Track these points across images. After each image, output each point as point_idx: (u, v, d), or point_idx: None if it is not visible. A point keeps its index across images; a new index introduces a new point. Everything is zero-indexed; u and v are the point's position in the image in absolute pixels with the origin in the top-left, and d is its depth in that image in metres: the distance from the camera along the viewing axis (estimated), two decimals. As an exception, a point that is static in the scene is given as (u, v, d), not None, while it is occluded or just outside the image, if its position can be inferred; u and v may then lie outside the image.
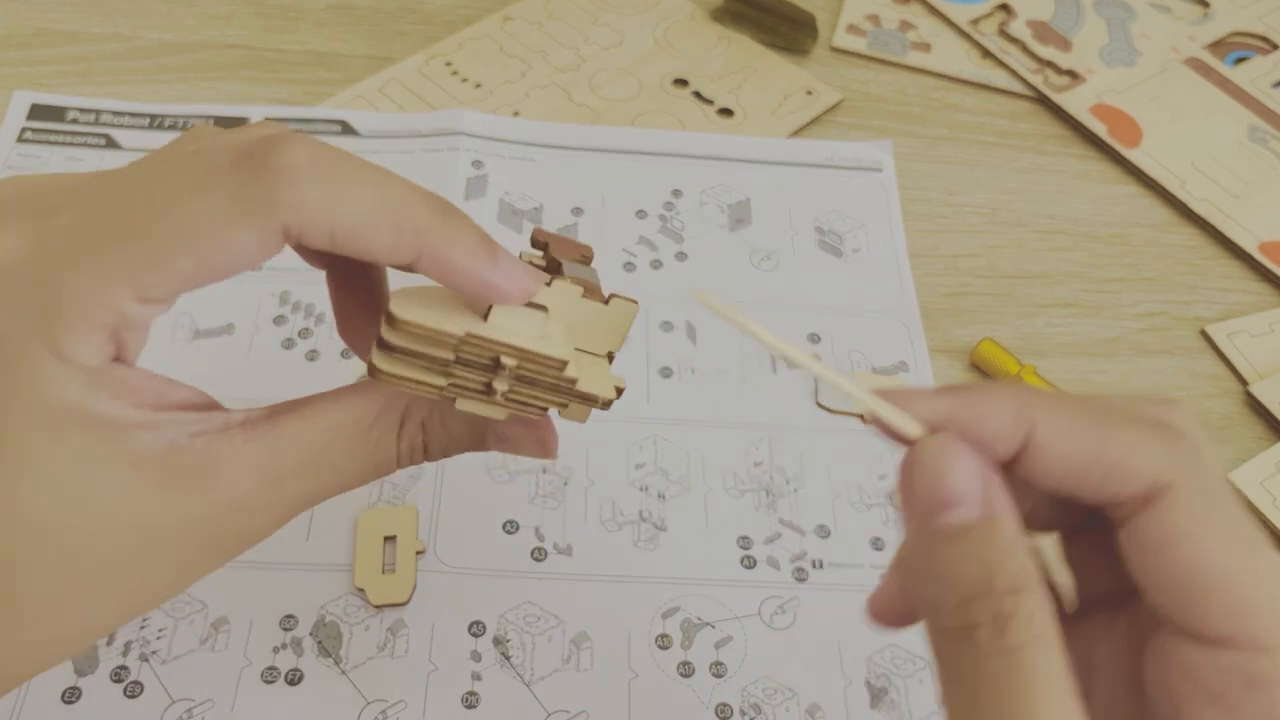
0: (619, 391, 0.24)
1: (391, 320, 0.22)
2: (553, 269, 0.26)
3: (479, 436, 0.25)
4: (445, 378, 0.23)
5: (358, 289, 0.26)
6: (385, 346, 0.22)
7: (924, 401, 0.21)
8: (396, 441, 0.24)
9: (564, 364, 0.23)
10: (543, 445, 0.26)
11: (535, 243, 0.27)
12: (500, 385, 0.23)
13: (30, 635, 0.21)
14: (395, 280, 0.25)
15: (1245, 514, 0.20)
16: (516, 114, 0.50)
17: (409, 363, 0.23)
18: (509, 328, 0.23)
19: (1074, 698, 0.20)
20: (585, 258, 0.26)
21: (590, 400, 0.24)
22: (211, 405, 0.23)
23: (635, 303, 0.25)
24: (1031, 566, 0.21)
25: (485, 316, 0.23)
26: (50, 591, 0.21)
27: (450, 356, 0.23)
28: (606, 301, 0.24)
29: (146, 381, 0.21)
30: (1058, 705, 0.19)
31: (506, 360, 0.23)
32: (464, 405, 0.24)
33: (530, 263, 0.26)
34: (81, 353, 0.20)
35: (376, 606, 0.34)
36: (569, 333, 0.24)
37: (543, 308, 0.23)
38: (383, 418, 0.24)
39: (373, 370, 0.23)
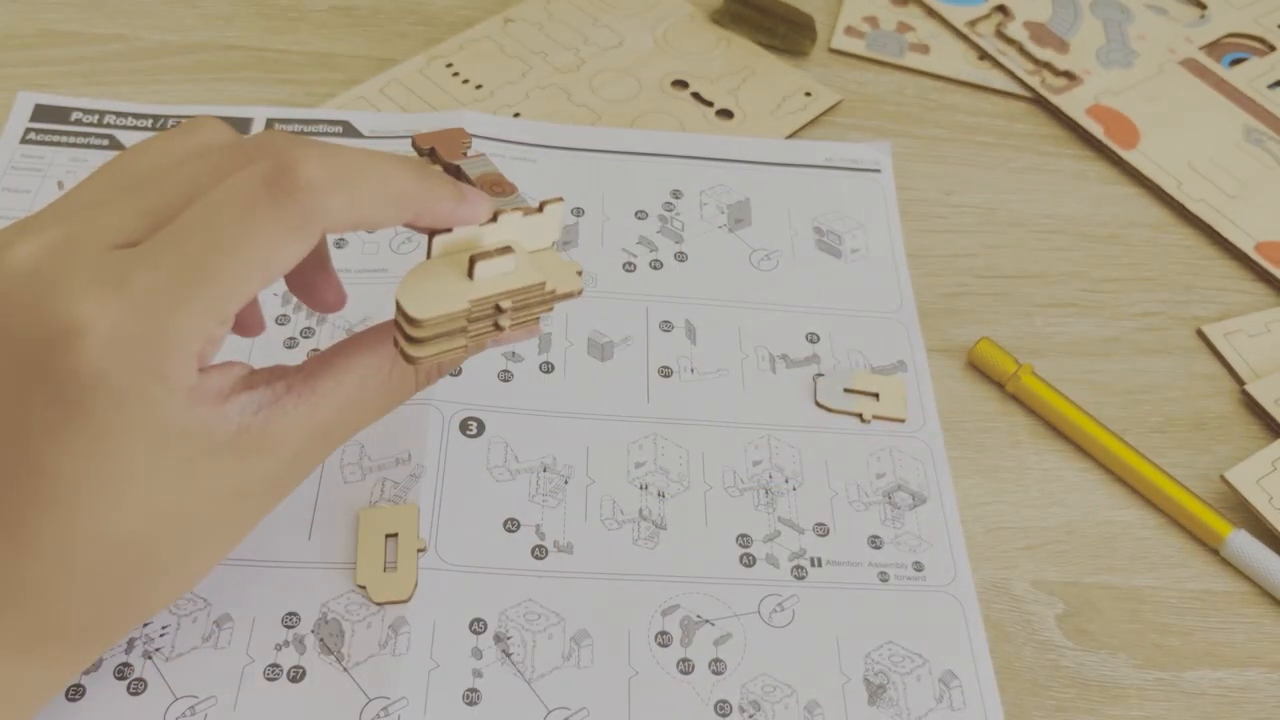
0: (580, 275, 0.30)
1: (412, 321, 0.27)
2: (452, 172, 0.30)
3: (479, 345, 0.31)
4: (464, 335, 0.28)
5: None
6: (412, 339, 0.28)
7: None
8: (415, 375, 0.30)
9: (543, 284, 0.29)
10: (532, 330, 0.31)
11: (419, 151, 0.31)
12: (505, 321, 0.29)
13: (162, 588, 0.28)
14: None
15: None
16: (517, 115, 0.51)
17: (435, 342, 0.28)
18: (494, 276, 0.28)
19: None
20: (465, 148, 0.31)
21: (569, 297, 0.30)
22: (253, 374, 0.28)
23: (561, 200, 0.30)
24: None
25: (470, 272, 0.28)
26: (177, 552, 0.27)
27: (464, 322, 0.28)
28: (541, 209, 0.29)
29: (215, 380, 0.26)
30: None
31: (504, 303, 0.28)
32: (479, 345, 0.29)
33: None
34: (182, 378, 0.25)
35: (378, 604, 0.35)
36: (527, 251, 0.30)
37: (509, 249, 0.28)
38: (399, 359, 0.29)
39: (410, 360, 0.28)
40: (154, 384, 0.24)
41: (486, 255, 0.28)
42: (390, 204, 0.27)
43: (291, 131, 0.30)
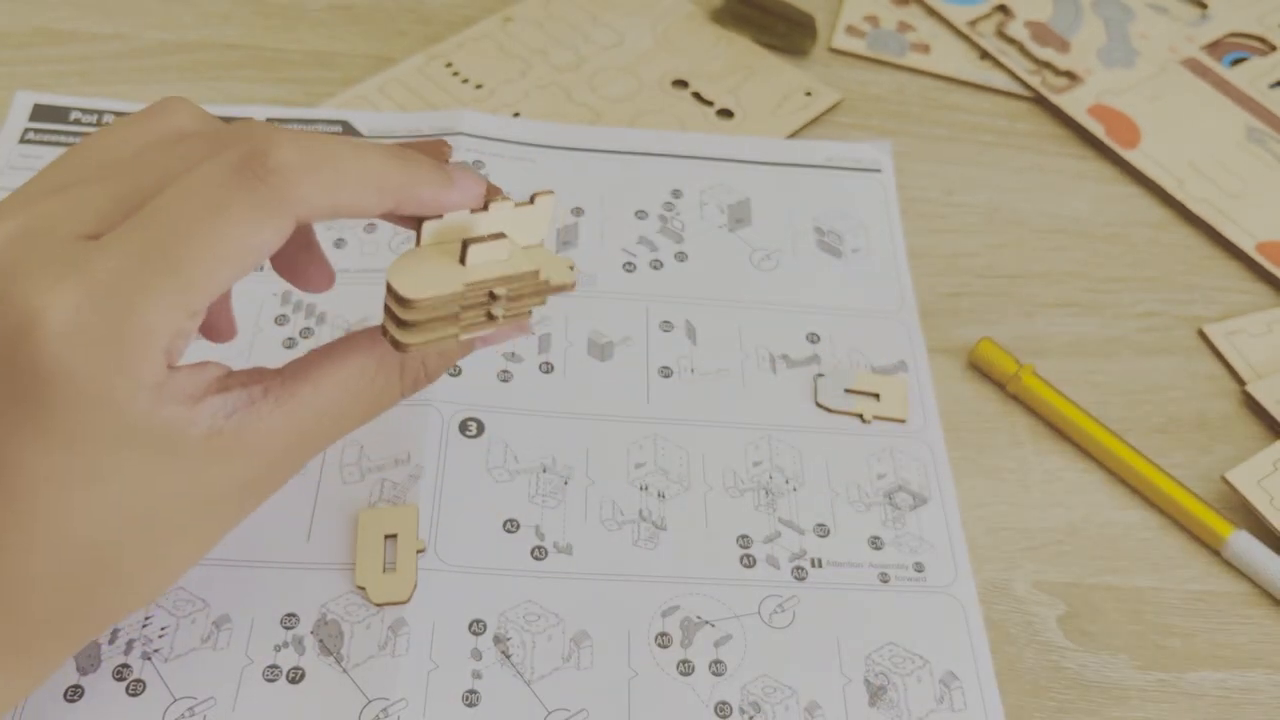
0: (573, 269, 0.29)
1: (404, 302, 0.26)
2: None
3: (467, 345, 0.30)
4: (456, 324, 0.28)
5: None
6: (403, 324, 0.27)
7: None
8: (400, 380, 0.29)
9: (537, 273, 0.28)
10: (523, 328, 0.30)
11: None
12: (499, 310, 0.28)
13: (127, 596, 0.27)
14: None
15: None
16: (517, 114, 0.50)
17: (427, 328, 0.27)
18: (488, 261, 0.28)
19: None
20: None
21: (563, 289, 0.29)
22: (229, 375, 0.27)
23: (552, 194, 0.29)
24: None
25: (462, 259, 0.27)
26: (143, 557, 0.26)
27: (457, 308, 0.27)
28: (532, 201, 0.29)
29: (186, 379, 0.25)
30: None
31: (498, 290, 0.28)
32: (470, 336, 0.29)
33: None
34: (149, 374, 0.24)
35: (377, 605, 0.35)
36: (520, 245, 0.29)
37: (503, 235, 0.28)
38: (383, 365, 0.29)
39: (401, 347, 0.27)
40: (118, 378, 0.23)
41: (480, 240, 0.27)
42: (370, 190, 0.26)
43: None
